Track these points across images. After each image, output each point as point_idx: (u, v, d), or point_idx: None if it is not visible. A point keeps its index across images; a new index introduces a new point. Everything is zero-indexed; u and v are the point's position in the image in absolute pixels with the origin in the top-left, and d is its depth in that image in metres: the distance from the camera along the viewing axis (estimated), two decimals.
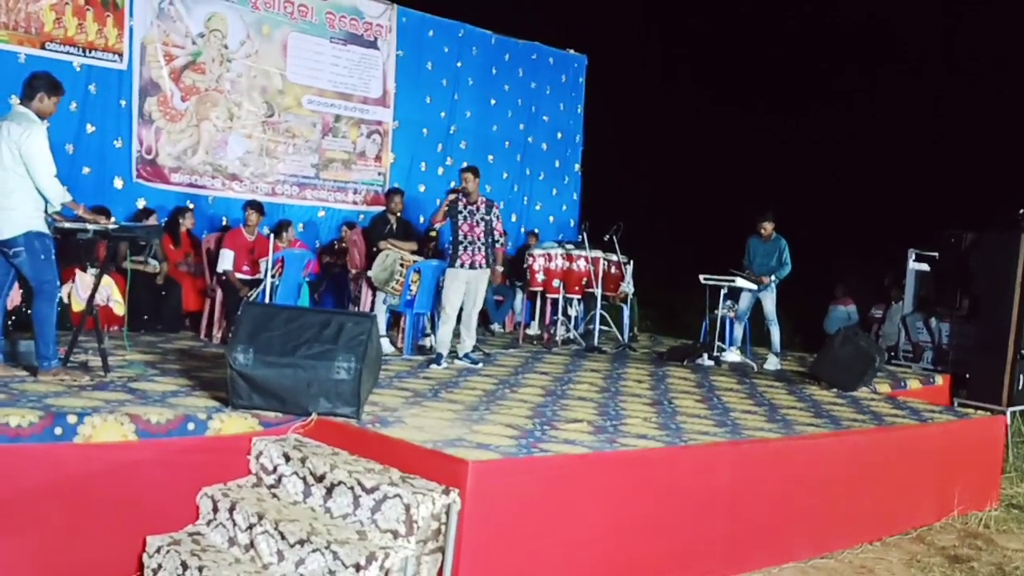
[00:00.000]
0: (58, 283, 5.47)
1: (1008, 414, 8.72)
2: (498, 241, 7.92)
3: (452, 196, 7.73)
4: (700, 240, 14.54)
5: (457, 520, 4.24)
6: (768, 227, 9.20)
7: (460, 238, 7.65)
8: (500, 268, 7.72)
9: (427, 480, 4.41)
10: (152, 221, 8.39)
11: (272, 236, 8.18)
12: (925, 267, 11.19)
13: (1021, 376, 8.99)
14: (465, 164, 8.19)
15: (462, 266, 7.62)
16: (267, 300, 7.61)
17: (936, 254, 10.84)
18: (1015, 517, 6.89)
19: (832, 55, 18.26)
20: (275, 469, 4.85)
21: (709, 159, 18.38)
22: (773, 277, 9.07)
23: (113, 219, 5.87)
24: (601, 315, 9.95)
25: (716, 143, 18.33)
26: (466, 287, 7.64)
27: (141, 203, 8.90)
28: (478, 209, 7.69)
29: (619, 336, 10.35)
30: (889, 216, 15.47)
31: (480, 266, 7.64)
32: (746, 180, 16.85)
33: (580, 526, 4.67)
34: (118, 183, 8.88)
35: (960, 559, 5.89)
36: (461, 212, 7.67)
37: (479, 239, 7.64)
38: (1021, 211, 9.36)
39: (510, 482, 4.47)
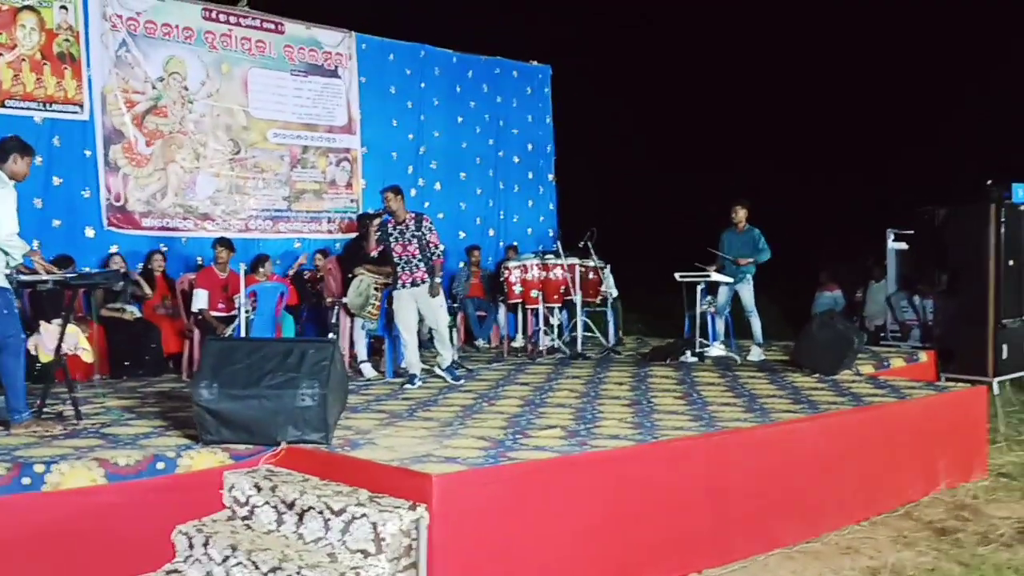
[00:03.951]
0: (23, 336, 5.48)
1: (995, 384, 8.72)
2: (434, 253, 7.65)
3: (377, 220, 7.73)
4: (685, 240, 14.56)
5: (427, 534, 4.26)
6: (741, 213, 9.11)
7: (395, 260, 7.63)
8: (438, 280, 7.59)
9: (394, 498, 4.43)
10: (115, 265, 8.42)
11: (245, 271, 8.16)
12: (904, 246, 11.22)
13: (1004, 345, 8.99)
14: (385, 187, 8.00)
15: (403, 286, 7.61)
16: (243, 335, 7.62)
17: (913, 232, 10.86)
18: (1004, 486, 6.88)
19: (800, 53, 18.32)
20: (247, 501, 4.86)
21: (692, 154, 18.43)
22: (751, 260, 8.98)
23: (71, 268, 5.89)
24: (585, 322, 9.95)
25: (695, 138, 18.41)
26: (416, 304, 7.64)
27: (114, 249, 8.92)
28: (407, 227, 7.64)
29: (603, 341, 10.35)
30: (867, 200, 15.52)
31: (422, 282, 7.59)
32: (726, 176, 16.88)
33: (555, 530, 4.67)
34: (89, 232, 8.90)
35: (947, 531, 5.88)
36: (392, 234, 7.65)
37: (414, 257, 7.58)
38: (989, 182, 9.39)
39: (477, 493, 4.48)
